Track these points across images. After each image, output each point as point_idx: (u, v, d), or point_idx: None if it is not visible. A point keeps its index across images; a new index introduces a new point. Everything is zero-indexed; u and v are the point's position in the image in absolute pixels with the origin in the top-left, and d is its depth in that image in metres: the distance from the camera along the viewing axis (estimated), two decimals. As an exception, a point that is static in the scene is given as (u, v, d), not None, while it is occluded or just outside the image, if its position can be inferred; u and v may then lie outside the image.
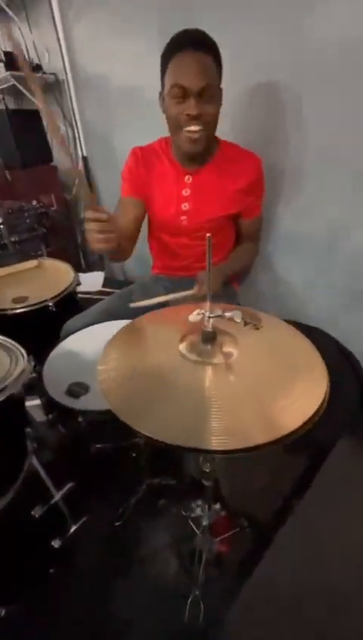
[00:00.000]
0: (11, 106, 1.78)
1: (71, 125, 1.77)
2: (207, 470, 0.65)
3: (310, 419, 0.41)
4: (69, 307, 1.16)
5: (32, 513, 0.79)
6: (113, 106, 1.57)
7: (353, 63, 0.86)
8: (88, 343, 0.90)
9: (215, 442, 0.39)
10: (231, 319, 0.47)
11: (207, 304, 0.47)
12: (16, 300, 1.07)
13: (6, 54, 1.49)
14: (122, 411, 0.43)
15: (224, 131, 0.94)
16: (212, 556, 0.89)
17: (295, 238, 1.18)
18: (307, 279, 1.22)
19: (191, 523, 0.91)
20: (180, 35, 0.78)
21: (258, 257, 1.19)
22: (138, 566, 0.94)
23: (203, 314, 0.46)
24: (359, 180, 0.96)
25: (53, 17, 1.51)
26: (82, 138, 1.78)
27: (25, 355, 0.64)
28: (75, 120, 1.74)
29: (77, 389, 0.73)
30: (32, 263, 1.27)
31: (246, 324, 0.55)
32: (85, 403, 0.70)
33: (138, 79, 1.40)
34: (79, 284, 1.22)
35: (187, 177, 0.97)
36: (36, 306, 1.04)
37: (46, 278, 1.24)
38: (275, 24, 0.95)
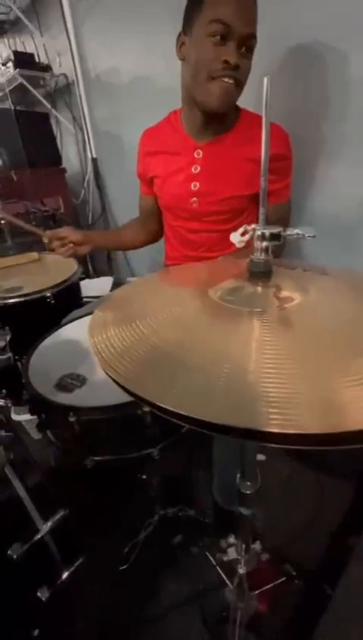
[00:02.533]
0: (20, 106, 1.75)
1: (80, 127, 1.72)
2: (247, 492, 0.45)
3: None
4: (71, 302, 1.02)
5: (9, 553, 0.59)
6: (122, 104, 1.51)
7: None
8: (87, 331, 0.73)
9: (263, 422, 0.21)
10: (299, 237, 0.29)
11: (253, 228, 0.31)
12: (9, 290, 0.93)
13: (15, 53, 1.46)
14: (135, 383, 0.26)
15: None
16: (248, 617, 0.65)
17: (331, 227, 1.02)
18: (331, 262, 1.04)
19: (219, 570, 0.69)
20: None
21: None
22: (148, 627, 0.71)
23: (253, 231, 0.29)
24: None
25: (63, 18, 1.49)
26: (91, 140, 1.72)
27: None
28: (84, 122, 1.69)
29: (70, 382, 0.55)
30: (32, 256, 1.15)
31: (305, 270, 0.37)
32: (79, 398, 0.53)
33: (147, 70, 1.33)
34: (82, 277, 1.10)
35: (197, 151, 0.83)
36: (32, 297, 0.90)
37: (46, 270, 1.12)
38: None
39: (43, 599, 0.67)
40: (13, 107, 1.52)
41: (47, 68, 1.56)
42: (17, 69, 1.44)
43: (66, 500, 0.67)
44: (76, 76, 1.59)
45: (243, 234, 0.29)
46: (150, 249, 1.36)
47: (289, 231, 0.29)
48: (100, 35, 1.46)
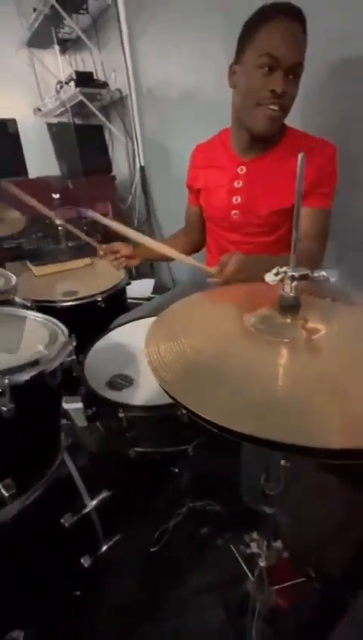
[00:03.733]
0: (78, 120, 1.90)
1: (131, 138, 1.83)
2: (271, 493, 0.51)
3: None
4: (118, 305, 1.13)
5: (62, 521, 0.69)
6: (170, 116, 1.59)
7: None
8: (135, 335, 0.82)
9: (288, 437, 0.26)
10: (323, 279, 0.34)
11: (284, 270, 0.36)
12: (66, 294, 1.05)
13: (77, 73, 1.60)
14: (178, 392, 0.33)
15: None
16: (267, 609, 0.70)
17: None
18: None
19: (242, 562, 0.75)
20: (273, 5, 0.71)
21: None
22: (173, 609, 0.79)
23: (284, 273, 0.35)
24: None
25: (121, 37, 1.60)
26: (140, 149, 1.83)
27: (65, 331, 0.58)
28: (135, 133, 1.80)
29: (120, 382, 0.64)
30: (84, 261, 1.27)
31: (334, 299, 0.42)
32: (127, 397, 0.61)
33: (196, 85, 1.40)
34: (128, 283, 1.19)
35: (240, 167, 0.88)
36: (85, 300, 1.01)
37: (97, 275, 1.23)
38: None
39: (85, 565, 0.77)
40: (72, 122, 1.65)
41: (104, 85, 1.68)
42: (78, 88, 1.58)
43: (109, 483, 0.76)
44: (130, 90, 1.70)
45: (276, 274, 0.35)
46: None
47: (315, 274, 0.34)
48: (154, 52, 1.55)
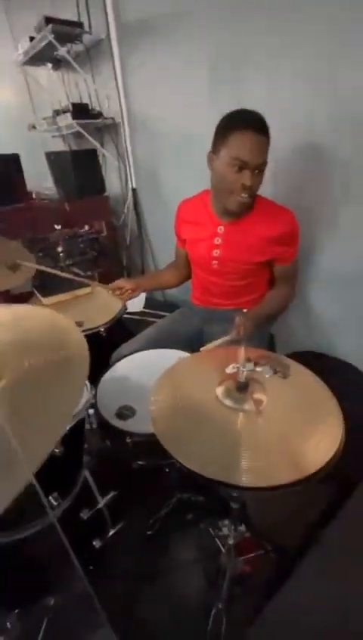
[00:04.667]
0: (72, 142, 2.02)
1: (123, 161, 1.97)
2: (235, 495, 0.74)
3: (331, 460, 0.49)
4: (117, 332, 1.31)
5: (81, 515, 0.91)
6: (161, 147, 1.74)
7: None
8: (136, 369, 1.03)
9: (245, 480, 0.48)
10: (262, 372, 0.56)
11: (242, 358, 0.57)
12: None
13: (74, 105, 1.71)
14: (166, 439, 0.54)
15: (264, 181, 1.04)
16: (236, 574, 0.96)
17: (328, 277, 1.25)
18: (339, 315, 1.28)
19: (217, 541, 1.00)
20: (242, 114, 0.90)
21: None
22: (165, 576, 1.03)
23: (238, 367, 0.56)
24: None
25: (114, 69, 1.72)
26: (132, 172, 1.97)
27: (89, 385, 0.78)
28: (127, 157, 1.93)
29: (126, 412, 0.85)
30: (86, 290, 1.44)
31: (275, 372, 0.64)
32: (132, 425, 0.82)
33: (184, 126, 1.56)
34: (126, 310, 1.37)
35: (219, 227, 1.08)
36: (91, 331, 1.20)
37: (97, 303, 1.40)
38: (311, 85, 1.04)
39: (97, 547, 1.00)
40: (69, 149, 1.78)
41: (98, 115, 1.80)
42: (75, 120, 1.70)
43: (116, 485, 0.98)
44: (122, 119, 1.82)
45: (233, 368, 0.56)
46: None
47: (258, 368, 0.56)
48: (145, 87, 1.68)
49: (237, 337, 0.84)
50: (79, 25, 1.66)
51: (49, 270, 1.19)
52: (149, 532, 1.09)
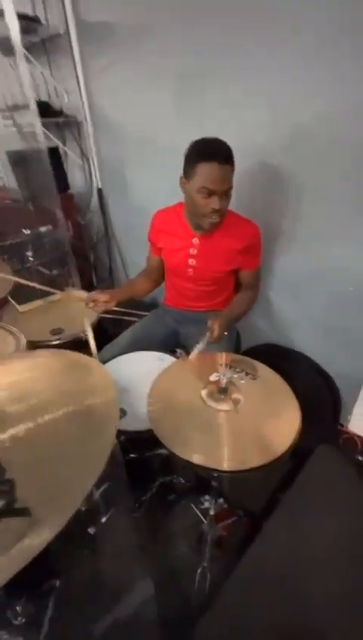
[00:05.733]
0: (31, 142, 1.96)
1: (87, 160, 1.97)
2: (216, 475, 0.89)
3: (293, 442, 0.65)
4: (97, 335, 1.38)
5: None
6: (126, 147, 1.77)
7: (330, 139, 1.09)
8: (121, 371, 1.12)
9: (226, 465, 0.63)
10: (237, 378, 0.70)
11: (222, 369, 0.71)
12: (54, 332, 1.28)
13: (39, 103, 1.67)
14: (163, 435, 0.67)
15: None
16: (215, 539, 1.14)
17: (285, 282, 1.43)
18: (295, 314, 1.47)
19: (199, 513, 1.16)
20: (208, 146, 1.00)
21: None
22: (154, 546, 1.18)
23: (219, 376, 0.70)
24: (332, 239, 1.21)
25: (75, 69, 1.70)
26: (97, 172, 1.98)
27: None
28: (91, 156, 1.93)
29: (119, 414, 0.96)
30: (57, 296, 1.47)
31: (247, 374, 0.78)
32: (124, 425, 0.93)
33: (149, 128, 1.61)
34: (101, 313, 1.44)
35: (194, 239, 1.20)
36: (73, 337, 1.26)
37: (72, 308, 1.46)
38: (269, 108, 1.17)
39: (91, 533, 1.12)
40: (31, 148, 1.74)
41: (59, 113, 1.77)
42: (40, 119, 1.66)
43: (108, 477, 1.10)
44: (85, 118, 1.82)
45: (217, 376, 0.70)
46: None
47: (236, 377, 0.70)
48: (109, 90, 1.69)
49: (213, 338, 0.98)
50: (36, 20, 1.61)
51: (26, 283, 1.22)
52: (135, 514, 1.23)
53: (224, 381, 0.70)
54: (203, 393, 0.75)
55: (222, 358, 0.72)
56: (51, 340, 1.24)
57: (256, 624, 0.73)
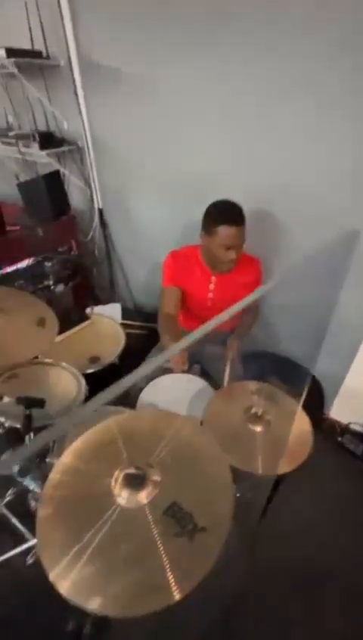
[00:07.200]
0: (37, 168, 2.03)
1: (88, 184, 2.07)
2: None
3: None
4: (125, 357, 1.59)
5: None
6: (126, 171, 1.92)
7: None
8: (159, 394, 1.30)
9: (261, 471, 0.92)
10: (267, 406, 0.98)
11: (257, 402, 0.98)
12: (92, 360, 1.48)
13: (40, 134, 1.74)
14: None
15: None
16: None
17: (278, 305, 1.73)
18: (284, 329, 1.78)
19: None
20: (225, 210, 1.25)
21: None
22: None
23: (256, 411, 0.97)
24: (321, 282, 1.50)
25: (78, 102, 1.78)
26: (98, 194, 2.09)
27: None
28: (93, 179, 2.04)
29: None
30: (87, 322, 1.65)
31: (270, 399, 1.07)
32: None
33: (148, 155, 1.78)
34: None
35: (212, 278, 1.44)
36: (108, 363, 1.46)
37: (100, 332, 1.64)
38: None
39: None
40: (39, 175, 1.82)
41: (62, 143, 1.85)
42: (45, 151, 1.74)
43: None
44: (86, 143, 1.91)
45: (253, 413, 0.97)
46: (148, 279, 2.15)
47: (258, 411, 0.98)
48: (110, 123, 1.80)
49: (233, 355, 1.26)
50: (39, 55, 1.65)
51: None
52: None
53: (259, 410, 0.98)
54: (242, 416, 1.02)
55: (253, 386, 1.00)
56: (91, 367, 1.43)
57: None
